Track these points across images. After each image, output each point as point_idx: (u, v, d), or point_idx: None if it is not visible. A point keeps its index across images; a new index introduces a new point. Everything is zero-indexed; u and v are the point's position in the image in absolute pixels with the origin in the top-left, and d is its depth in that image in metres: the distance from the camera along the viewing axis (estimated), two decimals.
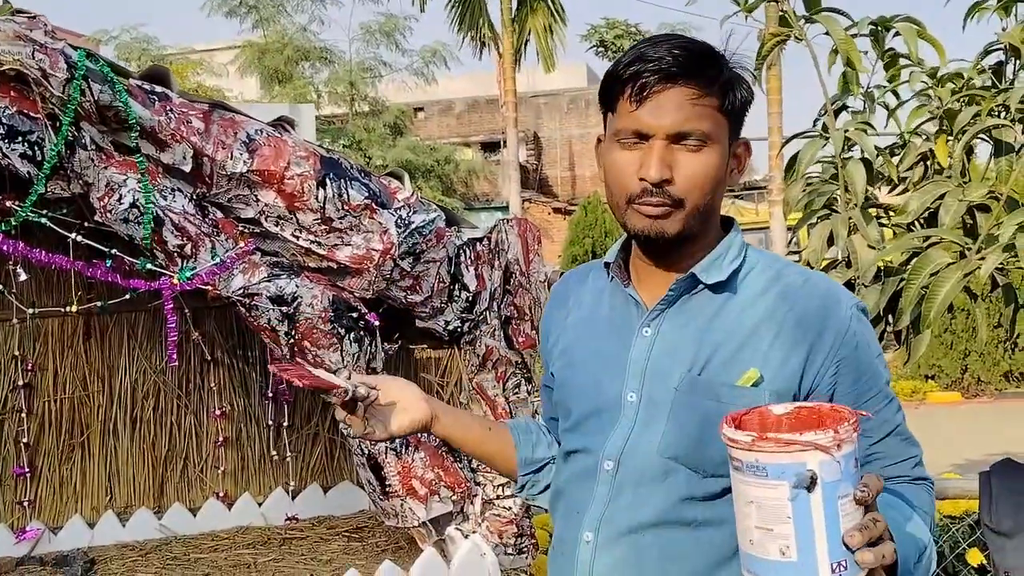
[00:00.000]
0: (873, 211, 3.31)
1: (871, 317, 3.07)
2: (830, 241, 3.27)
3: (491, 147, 23.83)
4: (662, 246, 1.31)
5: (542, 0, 14.93)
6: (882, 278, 3.21)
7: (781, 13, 3.51)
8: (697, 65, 1.26)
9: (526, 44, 15.42)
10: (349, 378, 1.33)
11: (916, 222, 3.20)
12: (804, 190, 3.42)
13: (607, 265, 1.42)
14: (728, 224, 1.40)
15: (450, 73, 21.90)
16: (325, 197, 2.88)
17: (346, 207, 2.93)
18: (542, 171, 25.57)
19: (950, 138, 3.27)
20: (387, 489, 3.19)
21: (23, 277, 2.77)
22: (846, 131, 3.34)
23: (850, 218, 3.25)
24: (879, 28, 3.41)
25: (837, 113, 3.41)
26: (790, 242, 3.48)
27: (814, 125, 3.50)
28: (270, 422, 3.80)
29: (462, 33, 15.28)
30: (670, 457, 1.28)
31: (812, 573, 0.99)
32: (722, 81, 1.27)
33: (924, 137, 3.36)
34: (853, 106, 3.46)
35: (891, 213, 3.38)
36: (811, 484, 0.99)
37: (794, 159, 3.41)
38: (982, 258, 2.84)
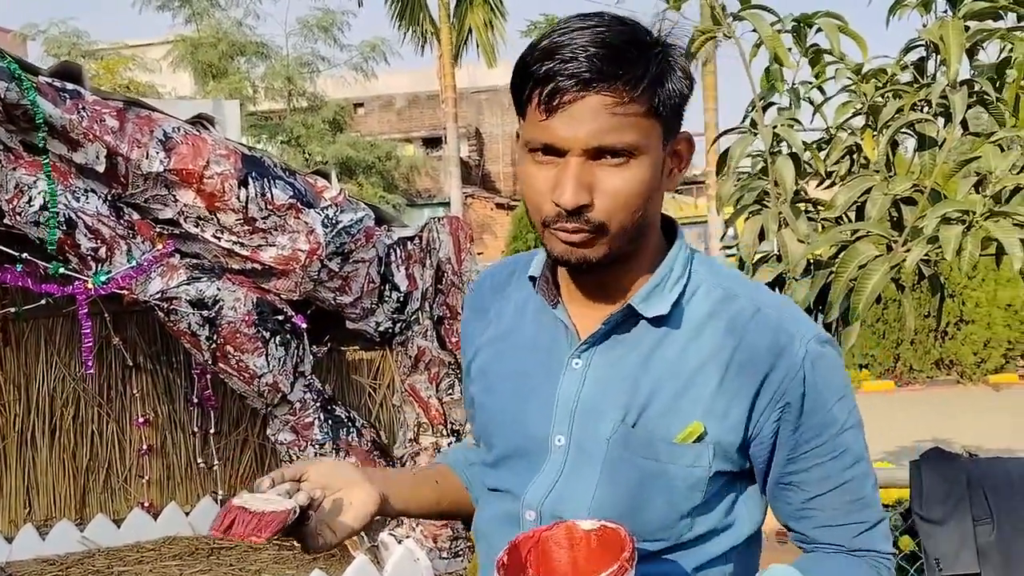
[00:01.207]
0: (802, 205, 3.34)
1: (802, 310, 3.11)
2: (761, 236, 3.29)
3: (433, 143, 23.72)
4: (588, 270, 1.14)
5: None
6: (812, 272, 3.24)
7: (712, 8, 3.52)
8: (618, 64, 1.06)
9: (466, 40, 15.36)
10: (272, 485, 1.10)
11: (844, 216, 3.23)
12: (735, 185, 3.44)
13: (532, 280, 1.24)
14: (670, 229, 1.22)
15: (390, 68, 21.71)
16: (247, 196, 2.80)
17: (270, 207, 2.85)
18: (484, 166, 25.54)
19: (876, 133, 3.31)
20: None
21: None
22: (775, 127, 3.36)
23: (780, 213, 3.28)
24: (801, 24, 3.43)
25: (765, 109, 3.43)
26: (724, 236, 3.49)
27: (743, 121, 3.52)
28: (196, 429, 3.70)
29: (403, 28, 15.15)
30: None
31: None
32: (651, 79, 1.08)
33: (849, 132, 3.40)
34: (780, 102, 3.49)
35: (820, 207, 3.41)
36: None
37: (725, 155, 3.42)
38: (908, 250, 2.88)
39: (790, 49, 3.45)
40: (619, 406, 1.13)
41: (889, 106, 3.31)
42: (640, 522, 1.11)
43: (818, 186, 3.54)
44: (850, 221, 3.27)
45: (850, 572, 1.15)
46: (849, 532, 1.17)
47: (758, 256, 3.33)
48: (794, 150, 3.31)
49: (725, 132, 3.70)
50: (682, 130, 1.16)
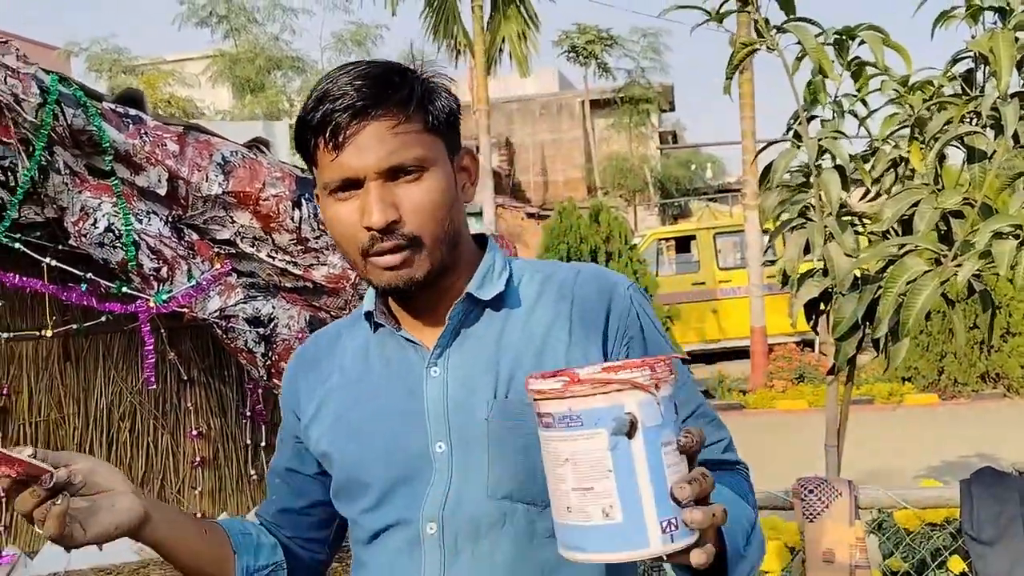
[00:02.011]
0: (848, 219, 3.33)
1: (848, 326, 3.10)
2: (806, 250, 3.29)
3: None
4: (417, 293, 1.18)
5: (515, 6, 14.95)
6: (859, 286, 3.23)
7: (754, 21, 3.54)
8: (385, 90, 1.14)
9: (500, 51, 15.45)
10: (35, 456, 1.00)
11: (891, 229, 3.23)
12: (779, 199, 3.44)
13: (368, 316, 1.26)
14: (484, 243, 1.29)
15: None
16: (300, 217, 2.87)
17: (321, 227, 2.91)
18: (515, 176, 25.60)
19: (923, 145, 3.30)
20: None
21: None
22: (820, 139, 3.36)
23: (825, 226, 3.28)
24: (844, 37, 3.44)
25: (808, 122, 3.44)
26: (767, 250, 3.50)
27: (786, 133, 3.53)
28: (247, 442, 3.77)
29: (437, 42, 15.27)
30: (503, 497, 1.15)
31: (640, 534, 0.89)
32: (418, 98, 1.15)
33: (894, 144, 3.39)
34: (822, 115, 3.49)
35: (865, 221, 3.41)
36: (631, 429, 0.89)
37: (768, 168, 3.43)
38: (958, 265, 2.87)
39: (833, 62, 3.45)
40: (488, 388, 1.18)
41: (937, 118, 3.30)
42: (540, 487, 1.07)
43: (861, 199, 3.54)
44: (897, 235, 3.26)
45: (736, 480, 1.24)
46: (717, 450, 1.26)
47: (802, 270, 3.33)
48: (839, 162, 3.31)
49: (768, 144, 3.72)
50: (463, 145, 1.24)
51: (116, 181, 2.57)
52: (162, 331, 3.50)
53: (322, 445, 1.26)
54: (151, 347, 2.86)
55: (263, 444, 3.76)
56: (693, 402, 1.26)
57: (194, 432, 3.72)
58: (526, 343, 1.20)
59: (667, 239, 15.07)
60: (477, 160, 1.25)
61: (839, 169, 3.25)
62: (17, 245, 2.68)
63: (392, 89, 1.14)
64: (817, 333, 3.70)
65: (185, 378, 3.70)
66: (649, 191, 25.10)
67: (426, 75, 1.20)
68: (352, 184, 1.14)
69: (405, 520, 1.18)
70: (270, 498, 1.39)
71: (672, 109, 28.12)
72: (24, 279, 2.73)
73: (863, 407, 9.13)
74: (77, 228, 2.63)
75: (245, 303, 2.87)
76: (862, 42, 3.41)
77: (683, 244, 14.84)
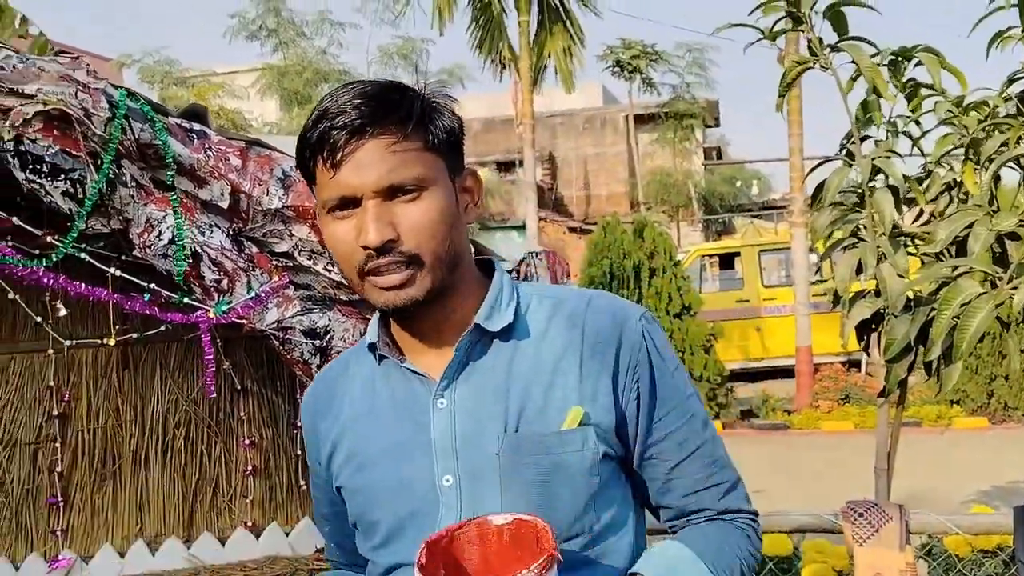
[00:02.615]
0: (901, 239, 3.31)
1: (900, 348, 3.08)
2: (858, 270, 3.28)
3: (506, 167, 23.91)
4: (418, 312, 1.16)
5: (562, 23, 15.01)
6: (912, 308, 3.21)
7: (807, 40, 3.54)
8: (384, 108, 1.12)
9: (544, 66, 15.51)
10: None
11: (945, 251, 3.20)
12: (831, 218, 3.43)
13: (371, 347, 1.24)
14: (489, 268, 1.26)
15: (465, 93, 22.03)
16: None
17: None
18: (557, 190, 25.63)
19: (977, 166, 3.27)
20: None
21: (63, 312, 2.81)
22: (873, 159, 3.35)
23: (878, 247, 3.26)
24: (899, 58, 3.43)
25: (861, 141, 3.43)
26: (818, 269, 3.48)
27: (840, 152, 3.52)
28: (297, 452, 3.82)
29: (482, 56, 15.38)
30: None
31: None
32: (418, 116, 1.13)
33: (948, 167, 3.37)
34: (875, 135, 3.48)
35: (918, 242, 3.38)
36: None
37: (821, 186, 3.42)
38: (1014, 287, 2.84)
39: (887, 82, 3.44)
40: (498, 421, 1.15)
41: (992, 139, 3.27)
42: (553, 521, 1.09)
43: (914, 220, 3.51)
44: (951, 256, 3.23)
45: (723, 535, 1.20)
46: (715, 495, 1.22)
47: (854, 291, 3.31)
48: (893, 183, 3.30)
49: (821, 163, 3.70)
50: (467, 166, 1.21)
51: (175, 195, 2.64)
52: (218, 341, 3.58)
53: (339, 481, 1.26)
54: (211, 357, 2.92)
55: None
56: (694, 441, 1.22)
57: (247, 441, 3.78)
58: (536, 374, 1.17)
59: (711, 255, 15.00)
60: (480, 181, 1.23)
61: (892, 189, 3.24)
62: (83, 255, 2.75)
63: (391, 107, 1.12)
64: (868, 354, 3.67)
65: (239, 388, 3.77)
66: (693, 207, 24.99)
67: (428, 94, 1.17)
68: (350, 202, 1.12)
69: (413, 559, 1.12)
70: (328, 543, 1.42)
71: (717, 125, 28.00)
72: (90, 288, 2.81)
73: (910, 429, 8.99)
74: (142, 240, 2.71)
75: (302, 315, 2.92)
76: (918, 63, 3.39)
77: (727, 261, 14.76)
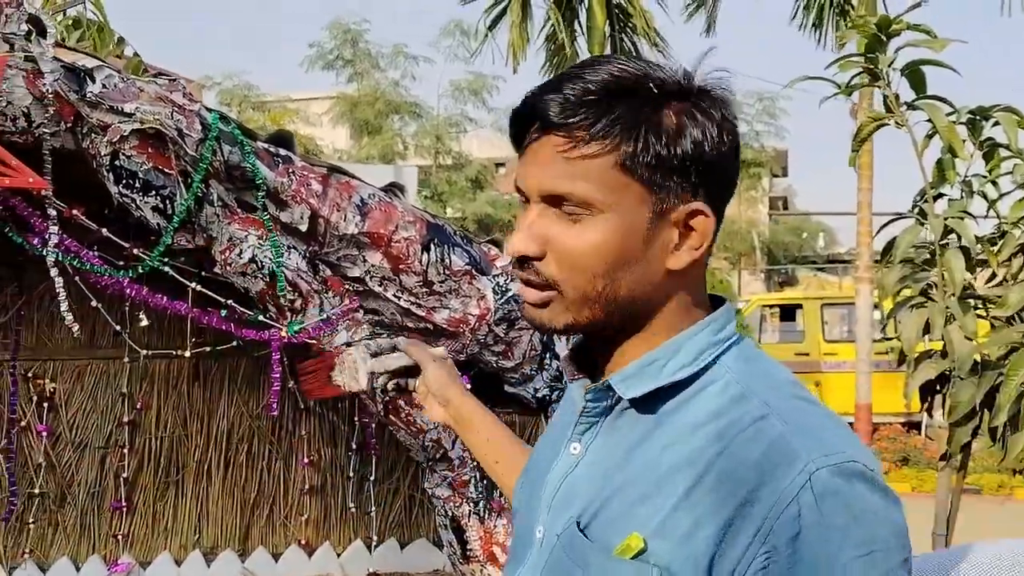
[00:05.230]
0: (971, 301, 3.28)
1: (965, 412, 3.05)
2: (925, 330, 3.25)
3: None
4: (586, 337, 1.03)
5: None
6: (979, 371, 3.17)
7: (884, 96, 3.54)
8: (582, 105, 0.91)
9: None
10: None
11: (1016, 316, 3.16)
12: (900, 275, 3.41)
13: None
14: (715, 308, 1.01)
15: None
16: (428, 261, 2.99)
17: (447, 271, 3.03)
18: None
19: None
20: (468, 553, 3.23)
21: (145, 322, 2.92)
22: (946, 218, 3.33)
23: (947, 307, 3.23)
24: (978, 117, 3.42)
25: (935, 200, 3.41)
26: (883, 327, 3.47)
27: (912, 209, 3.50)
28: (351, 474, 3.88)
29: None
30: None
31: None
32: (620, 126, 0.91)
33: (1023, 229, 3.33)
34: (949, 194, 3.46)
35: (989, 304, 3.35)
36: None
37: (892, 243, 3.41)
38: None
39: (964, 141, 3.43)
40: (584, 500, 0.97)
41: None
42: None
43: (986, 283, 3.48)
44: (1022, 321, 3.19)
45: None
46: None
47: (919, 351, 3.28)
48: (965, 243, 3.27)
49: (892, 219, 3.69)
50: (701, 203, 0.95)
51: (267, 216, 2.74)
52: (284, 360, 3.67)
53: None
54: (279, 375, 3.01)
55: (372, 478, 3.87)
56: None
57: (306, 460, 3.85)
58: (644, 473, 0.93)
59: (772, 306, 14.85)
60: (711, 222, 0.96)
61: (964, 250, 3.22)
62: (167, 269, 2.86)
63: (590, 107, 0.92)
64: (930, 416, 3.62)
65: (302, 407, 3.85)
66: (756, 255, 24.78)
67: (682, 106, 0.93)
68: (523, 194, 0.98)
69: None
70: None
71: (784, 174, 27.82)
72: (170, 301, 2.92)
73: (969, 496, 8.73)
74: (224, 257, 2.81)
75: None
76: (996, 123, 3.38)
77: (788, 312, 14.59)
